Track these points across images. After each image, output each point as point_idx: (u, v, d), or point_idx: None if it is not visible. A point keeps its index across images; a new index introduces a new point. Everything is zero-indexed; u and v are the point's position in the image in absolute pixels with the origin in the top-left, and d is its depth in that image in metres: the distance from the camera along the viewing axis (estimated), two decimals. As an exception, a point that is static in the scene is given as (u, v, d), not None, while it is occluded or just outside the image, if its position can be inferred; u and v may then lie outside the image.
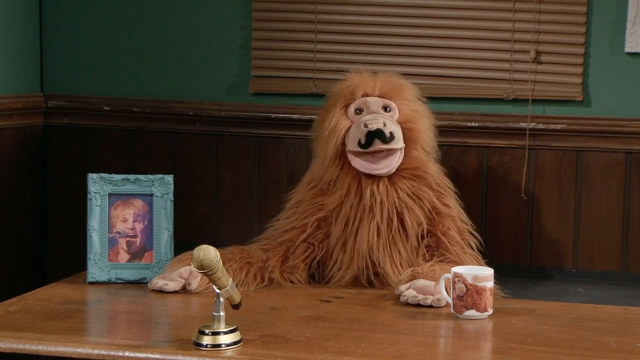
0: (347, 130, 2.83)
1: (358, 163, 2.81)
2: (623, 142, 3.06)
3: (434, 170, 2.88)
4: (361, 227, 2.81)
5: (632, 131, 3.05)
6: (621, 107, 3.07)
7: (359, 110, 2.85)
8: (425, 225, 2.82)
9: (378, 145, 2.77)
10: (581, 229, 3.11)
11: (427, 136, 2.87)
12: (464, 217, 2.89)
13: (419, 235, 2.82)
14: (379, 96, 2.86)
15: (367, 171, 2.81)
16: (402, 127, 2.83)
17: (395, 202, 2.80)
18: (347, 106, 2.87)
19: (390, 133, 2.78)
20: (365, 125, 2.78)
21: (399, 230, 2.81)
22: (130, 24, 3.42)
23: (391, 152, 2.79)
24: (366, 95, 2.86)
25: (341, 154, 2.84)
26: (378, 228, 2.80)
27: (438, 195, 2.86)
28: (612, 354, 2.24)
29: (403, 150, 2.82)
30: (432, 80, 3.19)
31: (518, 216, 3.16)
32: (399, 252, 2.80)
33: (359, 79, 2.89)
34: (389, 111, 2.85)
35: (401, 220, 2.81)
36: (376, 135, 2.77)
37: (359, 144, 2.78)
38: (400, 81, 2.91)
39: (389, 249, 2.80)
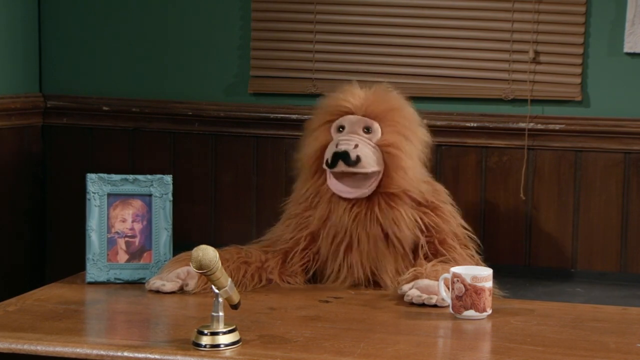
0: (327, 146, 2.79)
1: (332, 183, 2.78)
2: (622, 142, 3.06)
3: (422, 190, 2.80)
4: (349, 243, 2.79)
5: (631, 131, 3.05)
6: (620, 107, 3.07)
7: (341, 128, 2.80)
8: (423, 240, 2.80)
9: (341, 167, 2.72)
10: (580, 229, 3.11)
11: (411, 161, 2.77)
12: (463, 223, 2.86)
13: (418, 247, 2.80)
14: (363, 115, 2.79)
15: (339, 193, 2.78)
16: (382, 151, 2.76)
17: (373, 222, 2.77)
18: (332, 121, 2.83)
19: (357, 156, 2.71)
20: (337, 145, 2.74)
21: (387, 246, 2.79)
22: (128, 25, 3.42)
23: (359, 175, 2.74)
24: (351, 113, 2.80)
25: (321, 169, 2.81)
26: (364, 244, 2.78)
27: (431, 210, 2.81)
28: (611, 354, 2.24)
29: (381, 172, 2.76)
30: (431, 81, 3.20)
31: (517, 216, 3.16)
32: (394, 263, 2.79)
33: (349, 94, 2.83)
34: (370, 132, 2.78)
35: (387, 237, 2.78)
36: (340, 156, 2.72)
37: (326, 163, 2.76)
38: (393, 101, 2.82)
39: (381, 262, 2.78)
